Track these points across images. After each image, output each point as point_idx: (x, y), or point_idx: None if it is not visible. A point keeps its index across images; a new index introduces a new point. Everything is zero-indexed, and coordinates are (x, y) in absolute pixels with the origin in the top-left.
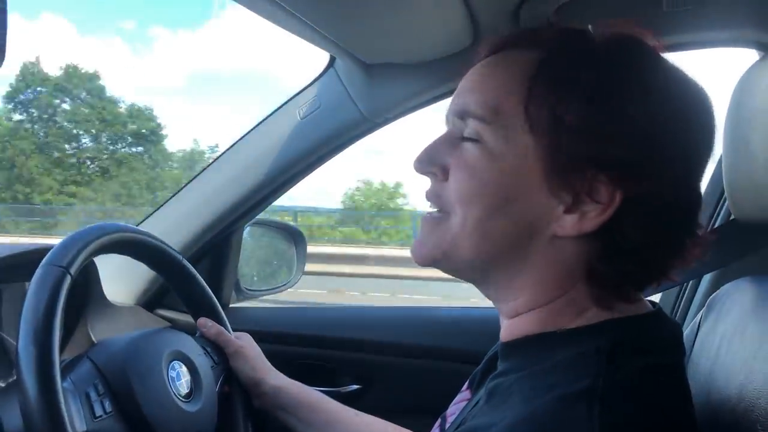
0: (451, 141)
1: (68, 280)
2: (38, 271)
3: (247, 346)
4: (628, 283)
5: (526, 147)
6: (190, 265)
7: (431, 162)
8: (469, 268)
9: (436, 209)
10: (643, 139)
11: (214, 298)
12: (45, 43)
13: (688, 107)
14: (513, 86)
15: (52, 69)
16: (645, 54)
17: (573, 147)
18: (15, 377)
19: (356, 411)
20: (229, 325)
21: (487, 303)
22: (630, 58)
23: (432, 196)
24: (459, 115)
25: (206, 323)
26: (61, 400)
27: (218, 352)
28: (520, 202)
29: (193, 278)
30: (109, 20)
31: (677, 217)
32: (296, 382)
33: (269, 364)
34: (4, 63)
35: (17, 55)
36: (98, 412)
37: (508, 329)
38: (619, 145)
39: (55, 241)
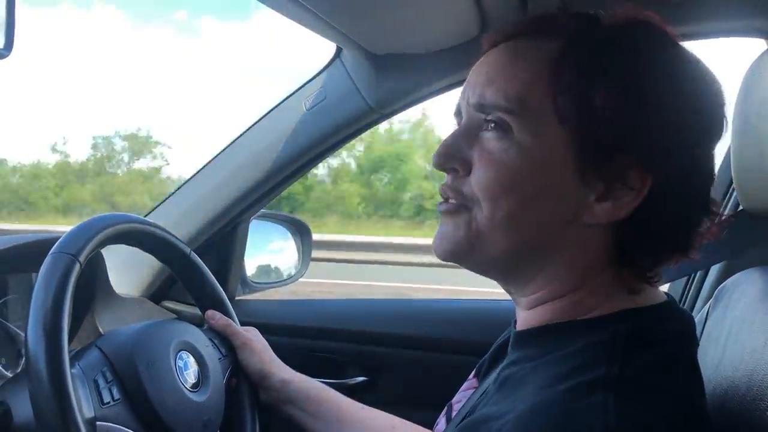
0: (470, 134)
1: (77, 267)
2: (47, 259)
3: (254, 339)
4: (659, 265)
5: (556, 137)
6: (197, 257)
7: (453, 157)
8: (495, 261)
9: (453, 202)
10: (668, 122)
11: (222, 291)
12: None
13: (703, 90)
14: (536, 76)
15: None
16: (662, 38)
17: (603, 134)
18: (23, 367)
19: (362, 405)
20: (236, 318)
21: (492, 296)
22: (650, 43)
23: (451, 191)
24: (478, 107)
25: (214, 315)
26: (70, 384)
27: (226, 344)
28: (552, 193)
29: (200, 270)
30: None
31: (699, 197)
32: (303, 376)
33: (276, 357)
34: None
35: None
36: (106, 398)
37: (525, 319)
38: (648, 130)
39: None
